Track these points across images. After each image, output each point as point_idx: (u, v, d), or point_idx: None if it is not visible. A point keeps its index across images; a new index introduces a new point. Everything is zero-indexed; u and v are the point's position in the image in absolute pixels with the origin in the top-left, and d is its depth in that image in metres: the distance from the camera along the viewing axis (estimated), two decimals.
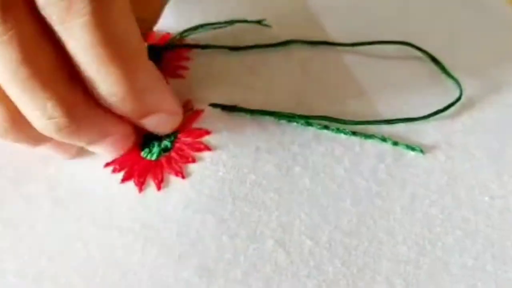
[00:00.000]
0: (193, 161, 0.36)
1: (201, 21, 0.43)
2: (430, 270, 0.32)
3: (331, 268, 0.32)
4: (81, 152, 0.37)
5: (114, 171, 0.36)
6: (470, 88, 0.40)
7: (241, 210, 0.34)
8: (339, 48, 0.42)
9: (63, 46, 0.30)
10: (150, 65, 0.32)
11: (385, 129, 0.37)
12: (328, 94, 0.40)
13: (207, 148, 0.36)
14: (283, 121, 0.38)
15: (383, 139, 0.37)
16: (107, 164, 0.36)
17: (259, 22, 0.43)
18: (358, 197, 0.35)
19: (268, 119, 0.38)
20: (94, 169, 0.36)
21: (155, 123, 0.34)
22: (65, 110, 0.30)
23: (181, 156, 0.36)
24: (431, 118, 0.38)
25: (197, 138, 0.36)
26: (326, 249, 0.33)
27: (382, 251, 0.33)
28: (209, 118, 0.38)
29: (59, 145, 0.34)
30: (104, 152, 0.35)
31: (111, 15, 0.29)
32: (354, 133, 0.37)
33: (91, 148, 0.34)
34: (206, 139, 0.37)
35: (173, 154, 0.36)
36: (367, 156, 0.36)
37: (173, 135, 0.37)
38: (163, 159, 0.36)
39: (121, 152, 0.35)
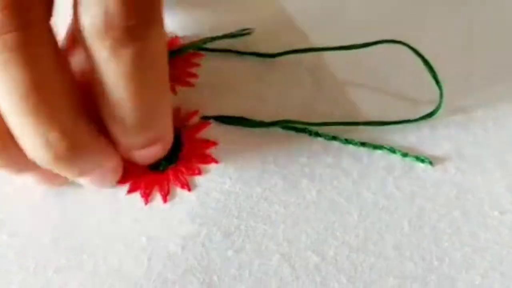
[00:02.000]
0: (199, 173, 0.36)
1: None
2: (437, 287, 0.32)
3: (337, 284, 0.32)
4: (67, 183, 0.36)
5: (119, 182, 0.36)
6: (483, 99, 0.39)
7: (246, 224, 0.34)
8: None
9: (78, 72, 0.29)
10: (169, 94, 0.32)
11: (395, 139, 0.37)
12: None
13: (214, 160, 0.36)
14: (291, 132, 0.37)
15: (392, 150, 0.36)
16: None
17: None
18: (366, 211, 0.34)
19: (275, 129, 0.37)
20: None
21: (152, 153, 0.34)
22: (68, 140, 0.29)
23: (188, 168, 0.36)
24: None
25: (203, 149, 0.36)
26: (332, 265, 0.33)
27: (389, 267, 0.33)
28: (215, 128, 0.37)
29: (44, 175, 0.33)
30: (90, 183, 0.34)
31: (158, 45, 0.29)
32: (362, 144, 0.37)
33: (79, 179, 0.33)
34: (213, 150, 0.36)
35: (179, 166, 0.36)
36: (375, 168, 0.36)
37: (179, 146, 0.36)
38: (170, 171, 0.36)
39: (107, 185, 0.35)
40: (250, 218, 0.34)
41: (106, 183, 0.35)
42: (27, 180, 0.34)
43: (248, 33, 0.42)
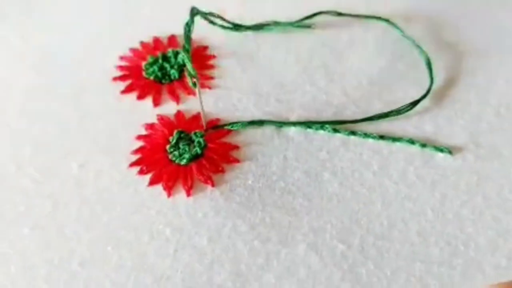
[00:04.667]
0: (223, 171, 0.36)
1: None
2: (463, 271, 0.32)
3: (365, 270, 0.32)
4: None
5: (140, 172, 0.36)
6: (493, 88, 0.40)
7: (271, 216, 0.34)
8: None
9: None
10: None
11: (412, 131, 0.37)
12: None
13: (236, 160, 0.36)
14: (310, 130, 0.38)
15: (411, 142, 0.37)
16: (133, 164, 0.36)
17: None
18: (388, 200, 0.35)
19: (295, 129, 0.38)
20: (119, 167, 0.37)
21: None
22: None
23: (211, 165, 0.36)
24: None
25: (226, 150, 0.37)
26: (358, 252, 0.33)
27: (415, 253, 0.33)
28: (237, 132, 0.38)
29: None
30: None
31: None
32: (381, 137, 0.37)
33: None
34: (235, 152, 0.37)
35: (203, 161, 0.36)
36: (395, 159, 0.36)
37: (203, 143, 0.37)
38: (193, 165, 0.36)
39: None
40: (274, 210, 0.34)
41: None
42: None
43: None
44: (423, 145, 0.37)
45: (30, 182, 0.36)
